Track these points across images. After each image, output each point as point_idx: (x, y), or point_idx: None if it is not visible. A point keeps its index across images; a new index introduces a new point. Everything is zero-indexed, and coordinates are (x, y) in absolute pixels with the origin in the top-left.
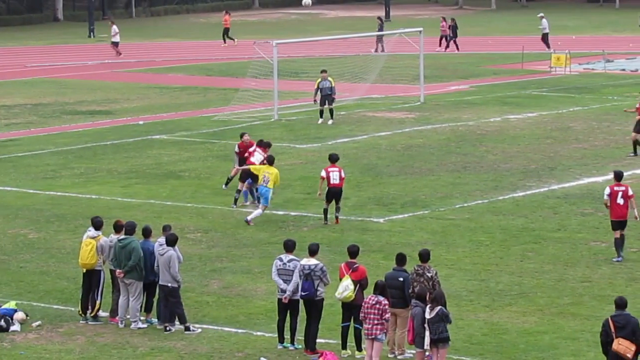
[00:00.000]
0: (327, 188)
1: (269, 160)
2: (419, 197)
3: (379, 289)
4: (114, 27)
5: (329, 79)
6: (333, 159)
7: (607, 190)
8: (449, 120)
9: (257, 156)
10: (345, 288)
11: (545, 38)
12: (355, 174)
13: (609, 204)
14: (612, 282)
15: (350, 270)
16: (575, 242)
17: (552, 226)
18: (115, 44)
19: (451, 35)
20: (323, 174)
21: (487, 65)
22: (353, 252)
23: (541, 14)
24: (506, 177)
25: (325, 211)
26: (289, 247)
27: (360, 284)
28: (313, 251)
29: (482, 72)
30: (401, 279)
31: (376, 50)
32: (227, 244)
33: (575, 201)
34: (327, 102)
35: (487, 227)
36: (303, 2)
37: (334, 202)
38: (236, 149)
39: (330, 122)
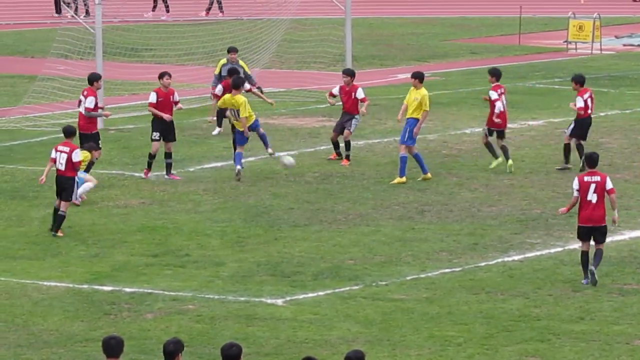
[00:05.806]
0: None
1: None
2: (343, 263)
3: None
4: None
5: (240, 62)
6: (68, 132)
7: (576, 184)
8: (395, 132)
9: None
10: None
11: None
12: (235, 221)
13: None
14: None
15: None
16: (609, 341)
17: (570, 312)
18: None
19: None
20: (53, 154)
21: (460, 39)
22: (231, 356)
23: None
24: (492, 229)
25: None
26: (113, 349)
27: None
28: (170, 353)
29: (452, 50)
30: None
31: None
32: (15, 341)
33: (610, 270)
34: None
35: (459, 313)
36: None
37: None
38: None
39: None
